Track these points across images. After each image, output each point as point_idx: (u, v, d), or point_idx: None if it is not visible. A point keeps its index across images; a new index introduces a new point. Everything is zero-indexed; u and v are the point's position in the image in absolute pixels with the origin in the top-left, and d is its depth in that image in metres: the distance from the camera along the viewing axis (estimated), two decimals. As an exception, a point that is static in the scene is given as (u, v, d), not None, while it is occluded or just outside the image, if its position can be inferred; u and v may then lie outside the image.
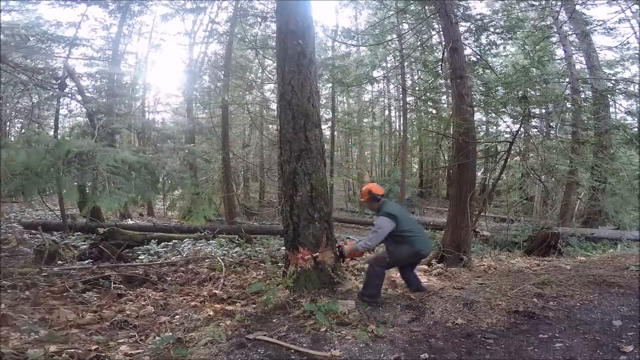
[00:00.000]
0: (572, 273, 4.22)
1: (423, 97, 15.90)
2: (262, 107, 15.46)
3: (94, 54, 11.63)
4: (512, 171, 10.27)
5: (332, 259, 3.76)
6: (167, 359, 2.37)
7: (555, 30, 9.85)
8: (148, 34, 14.78)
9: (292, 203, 3.72)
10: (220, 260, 4.95)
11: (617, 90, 8.62)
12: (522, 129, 6.31)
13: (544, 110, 10.06)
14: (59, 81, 3.50)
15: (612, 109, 9.99)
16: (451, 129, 6.28)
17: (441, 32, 8.40)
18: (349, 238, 4.75)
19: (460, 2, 7.07)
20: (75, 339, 2.62)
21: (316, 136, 3.83)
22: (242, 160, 14.99)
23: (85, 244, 6.15)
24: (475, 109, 7.22)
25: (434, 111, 18.85)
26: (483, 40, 7.91)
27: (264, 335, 2.68)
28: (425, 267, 4.90)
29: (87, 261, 4.88)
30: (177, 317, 3.20)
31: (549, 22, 9.84)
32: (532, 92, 7.45)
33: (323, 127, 9.91)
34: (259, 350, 2.48)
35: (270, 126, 15.95)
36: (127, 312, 3.28)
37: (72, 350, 2.36)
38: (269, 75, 12.33)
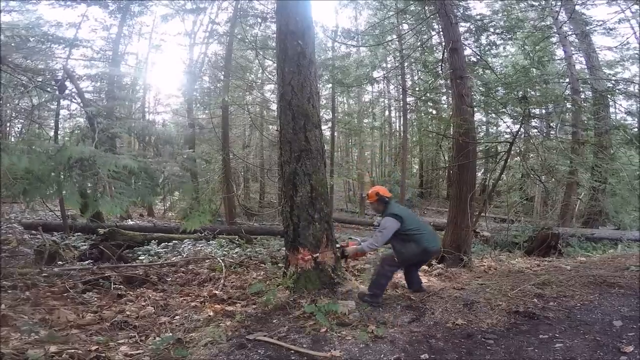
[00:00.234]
0: (572, 273, 4.21)
1: (423, 98, 15.91)
2: (262, 108, 15.46)
3: (94, 55, 11.66)
4: (512, 171, 10.29)
5: (332, 260, 3.76)
6: (167, 360, 2.37)
7: (555, 30, 9.85)
8: (148, 34, 14.85)
9: (292, 203, 3.72)
10: (221, 261, 4.94)
11: (617, 91, 8.63)
12: (522, 129, 6.31)
13: (544, 111, 10.05)
14: (59, 84, 3.49)
15: (612, 109, 10.01)
16: (451, 129, 6.29)
17: (441, 33, 8.39)
18: (350, 238, 4.74)
19: (460, 3, 7.08)
20: (75, 339, 2.62)
21: (316, 137, 3.83)
22: (242, 160, 14.98)
23: (85, 245, 6.14)
24: (475, 109, 7.23)
25: (434, 112, 18.83)
26: (483, 40, 7.92)
27: (264, 335, 2.68)
28: (426, 267, 4.89)
29: (87, 262, 4.88)
30: (177, 317, 3.20)
31: (548, 23, 9.84)
32: (532, 93, 7.44)
33: (323, 127, 9.88)
34: (259, 351, 2.48)
35: (271, 127, 15.92)
36: (127, 312, 3.28)
37: (72, 350, 2.36)
38: (269, 76, 12.31)
